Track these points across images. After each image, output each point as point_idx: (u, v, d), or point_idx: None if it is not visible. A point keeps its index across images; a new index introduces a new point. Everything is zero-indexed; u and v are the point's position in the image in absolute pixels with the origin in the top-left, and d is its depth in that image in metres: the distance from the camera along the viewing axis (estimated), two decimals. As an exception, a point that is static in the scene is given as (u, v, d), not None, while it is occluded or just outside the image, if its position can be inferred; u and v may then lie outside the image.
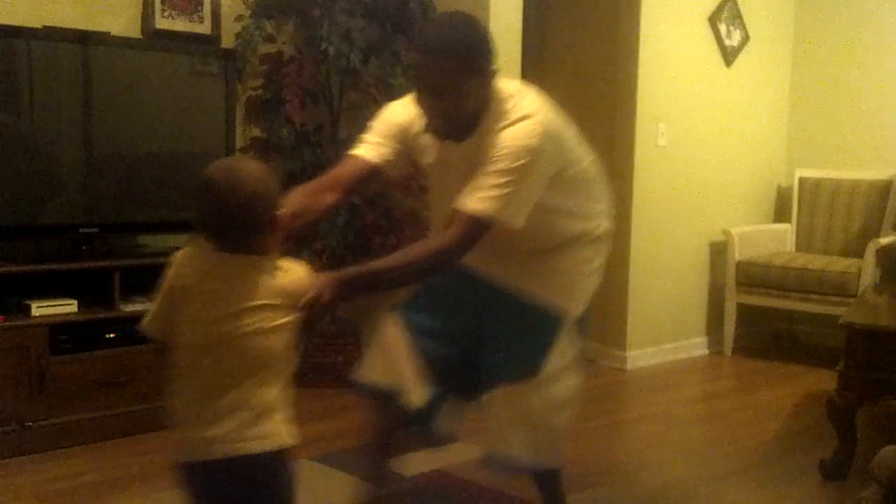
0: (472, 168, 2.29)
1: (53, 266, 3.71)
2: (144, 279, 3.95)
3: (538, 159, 2.26)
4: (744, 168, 5.94)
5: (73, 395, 3.67)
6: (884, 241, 5.32)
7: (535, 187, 2.30)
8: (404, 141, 2.52)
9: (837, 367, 3.46)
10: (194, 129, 4.17)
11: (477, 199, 2.23)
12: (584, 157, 2.53)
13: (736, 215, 5.88)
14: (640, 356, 5.35)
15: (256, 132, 4.61)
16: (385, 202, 4.82)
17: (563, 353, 2.50)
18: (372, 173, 2.53)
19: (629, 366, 5.29)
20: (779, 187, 6.20)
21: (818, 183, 5.89)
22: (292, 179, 4.63)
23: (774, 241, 5.89)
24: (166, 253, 4.02)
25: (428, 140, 2.44)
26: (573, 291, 2.55)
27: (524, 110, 2.30)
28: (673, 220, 5.48)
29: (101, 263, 3.79)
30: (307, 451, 3.68)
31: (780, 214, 6.16)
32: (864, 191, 5.72)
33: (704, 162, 5.64)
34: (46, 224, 3.81)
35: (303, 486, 3.05)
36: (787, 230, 5.96)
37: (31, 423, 3.56)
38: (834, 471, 3.47)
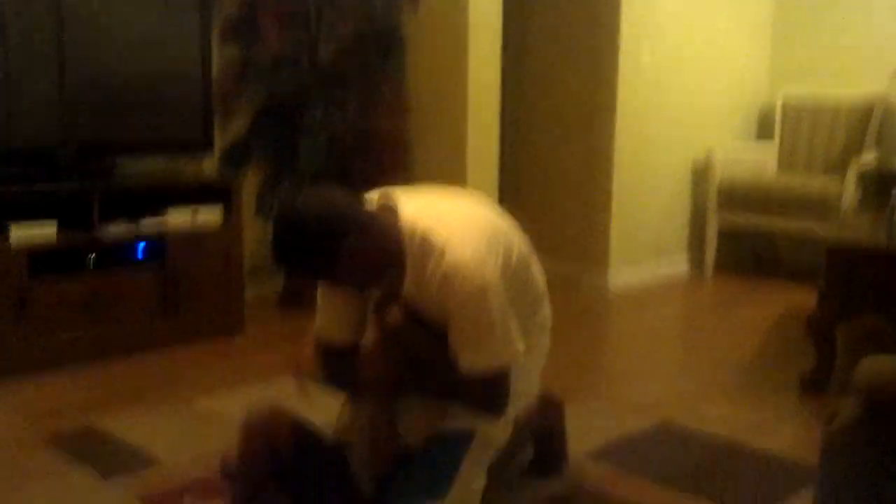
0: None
1: (31, 188, 3.66)
2: (123, 202, 3.94)
3: (489, 288, 2.15)
4: (727, 87, 5.90)
5: (54, 317, 3.66)
6: (866, 159, 5.33)
7: (505, 307, 2.20)
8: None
9: (818, 285, 3.48)
10: (170, 51, 4.09)
11: (475, 361, 2.17)
12: (514, 246, 2.35)
13: (719, 135, 5.86)
14: (621, 275, 5.38)
15: (234, 52, 4.53)
16: (366, 125, 4.77)
17: (472, 473, 2.35)
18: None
19: (611, 285, 5.31)
20: (762, 106, 6.17)
21: (801, 102, 5.87)
22: (271, 100, 4.59)
23: (757, 160, 5.88)
24: (145, 176, 4.04)
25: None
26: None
27: (443, 254, 2.14)
28: (656, 140, 5.46)
29: (79, 186, 3.74)
30: (289, 371, 3.69)
31: (763, 134, 6.14)
32: (847, 109, 5.70)
33: (688, 81, 5.60)
34: (22, 146, 3.75)
35: (287, 401, 3.06)
36: (770, 149, 5.95)
37: (13, 346, 3.55)
38: (813, 385, 3.52)
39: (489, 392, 2.22)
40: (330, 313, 2.46)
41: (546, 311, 2.53)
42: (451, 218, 2.24)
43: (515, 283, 2.29)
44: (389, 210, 2.22)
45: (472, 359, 2.17)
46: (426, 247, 2.15)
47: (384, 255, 2.18)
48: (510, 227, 2.39)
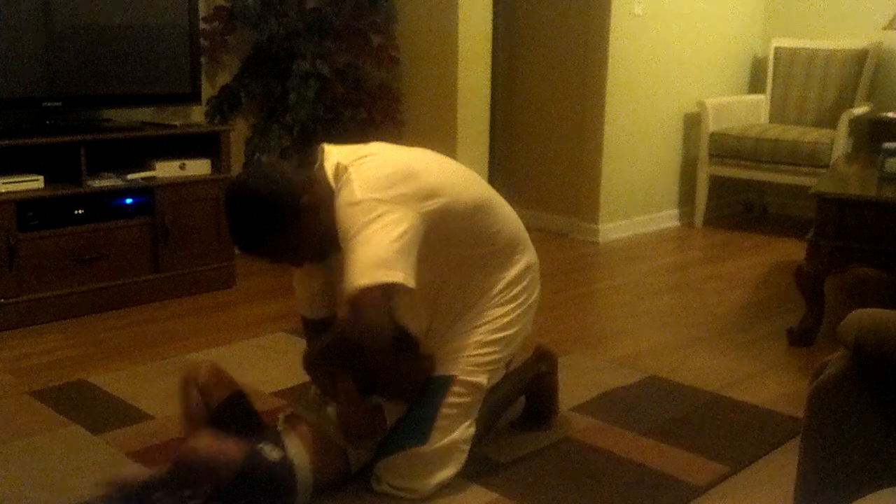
0: None
1: (17, 141, 3.62)
2: (111, 154, 3.90)
3: (365, 203, 2.14)
4: (720, 38, 5.85)
5: (43, 271, 3.65)
6: (857, 111, 5.31)
7: (393, 233, 2.12)
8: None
9: (807, 236, 3.48)
10: (157, 0, 4.03)
11: (352, 283, 2.09)
12: (458, 191, 2.34)
13: (711, 86, 5.83)
14: (612, 229, 5.37)
15: (220, 1, 4.47)
16: (355, 74, 4.73)
17: (454, 420, 2.35)
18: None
19: (601, 238, 5.31)
20: (754, 57, 6.13)
21: (794, 53, 5.83)
22: (259, 49, 4.54)
23: (749, 112, 5.86)
24: (132, 127, 4.01)
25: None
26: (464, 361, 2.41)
27: (346, 191, 2.20)
28: (647, 92, 5.42)
29: (66, 138, 3.71)
30: (281, 325, 3.70)
31: (755, 85, 6.11)
32: (839, 60, 5.67)
33: (680, 32, 5.55)
34: (8, 98, 3.70)
35: (277, 355, 3.08)
36: (762, 101, 5.93)
37: (2, 300, 3.54)
38: (801, 337, 3.53)
39: (359, 311, 2.07)
40: (304, 291, 2.54)
41: (529, 258, 2.52)
42: (366, 151, 2.30)
43: (452, 225, 2.29)
44: (321, 161, 2.30)
45: (348, 280, 2.09)
46: (340, 180, 2.23)
47: (325, 216, 2.22)
48: (458, 174, 2.41)
